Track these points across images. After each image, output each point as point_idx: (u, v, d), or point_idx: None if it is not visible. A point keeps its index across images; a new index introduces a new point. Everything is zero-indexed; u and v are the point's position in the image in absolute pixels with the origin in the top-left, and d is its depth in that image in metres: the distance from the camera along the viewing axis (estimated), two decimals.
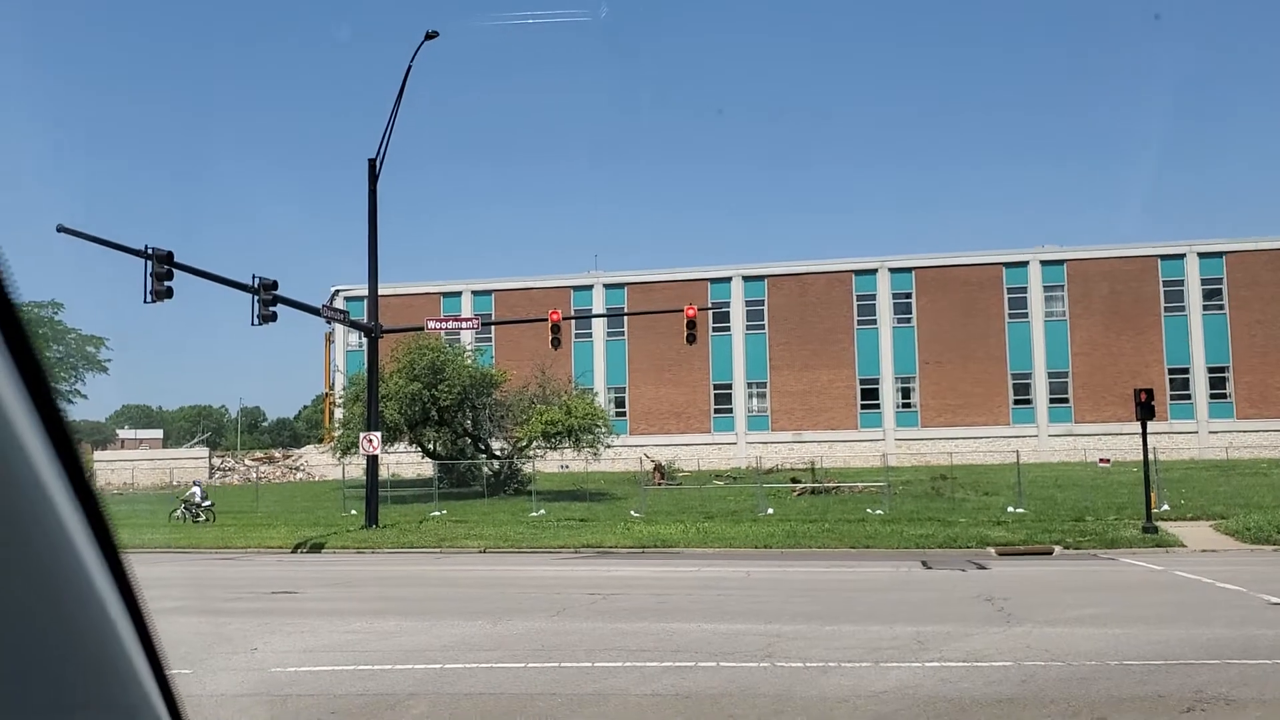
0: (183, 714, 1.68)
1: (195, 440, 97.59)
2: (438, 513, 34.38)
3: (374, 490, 31.02)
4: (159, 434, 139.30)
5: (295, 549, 26.98)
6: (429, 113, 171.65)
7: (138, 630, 1.51)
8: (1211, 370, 57.95)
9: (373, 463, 31.04)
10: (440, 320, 38.07)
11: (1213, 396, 58.03)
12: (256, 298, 27.57)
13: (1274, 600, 14.28)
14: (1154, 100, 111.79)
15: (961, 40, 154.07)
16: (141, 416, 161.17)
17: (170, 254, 25.04)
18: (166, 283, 24.98)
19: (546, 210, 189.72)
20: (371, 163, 31.06)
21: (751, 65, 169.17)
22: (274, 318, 27.90)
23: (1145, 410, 25.93)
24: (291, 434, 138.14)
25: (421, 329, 36.55)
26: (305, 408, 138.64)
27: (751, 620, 12.61)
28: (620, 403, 62.06)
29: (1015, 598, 14.58)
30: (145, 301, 24.68)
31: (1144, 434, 26.65)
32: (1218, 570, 18.32)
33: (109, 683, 1.41)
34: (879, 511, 31.16)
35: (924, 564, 20.92)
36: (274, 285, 27.84)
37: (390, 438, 42.60)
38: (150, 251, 24.80)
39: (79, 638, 1.32)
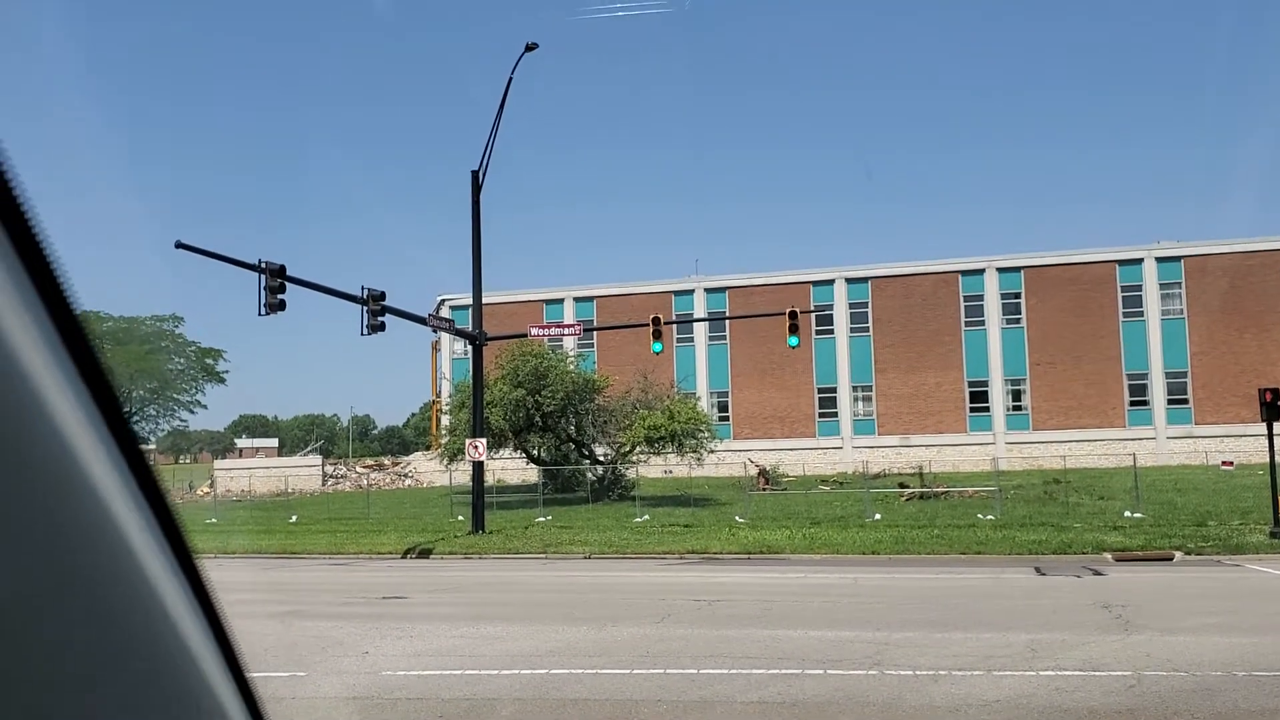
0: (264, 716, 1.68)
1: (309, 449, 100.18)
2: (543, 518, 34.62)
3: (480, 496, 31.34)
4: (274, 443, 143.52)
5: (405, 554, 27.41)
6: (526, 115, 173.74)
7: (215, 634, 1.50)
8: None
9: (478, 469, 31.39)
10: (543, 327, 38.38)
11: None
12: (365, 308, 28.15)
13: None
14: (1269, 85, 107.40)
15: (1067, 26, 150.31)
16: (258, 426, 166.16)
17: (283, 267, 25.72)
18: (279, 295, 25.67)
19: (646, 211, 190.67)
20: (474, 174, 31.43)
21: (847, 53, 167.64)
22: (382, 328, 28.45)
23: (1271, 410, 24.87)
24: (400, 441, 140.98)
25: (524, 336, 36.90)
26: (413, 415, 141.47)
27: (859, 627, 12.42)
28: (723, 407, 61.85)
29: (1134, 605, 14.09)
30: (260, 314, 25.41)
31: (1270, 435, 25.56)
32: None
33: (182, 686, 1.40)
34: (990, 517, 30.46)
35: (1037, 570, 20.38)
36: (382, 296, 28.40)
37: (495, 444, 43.04)
38: (264, 265, 25.52)
39: (149, 642, 1.33)
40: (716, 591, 17.11)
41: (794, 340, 34.01)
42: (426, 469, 64.23)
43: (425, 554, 27.37)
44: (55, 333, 1.15)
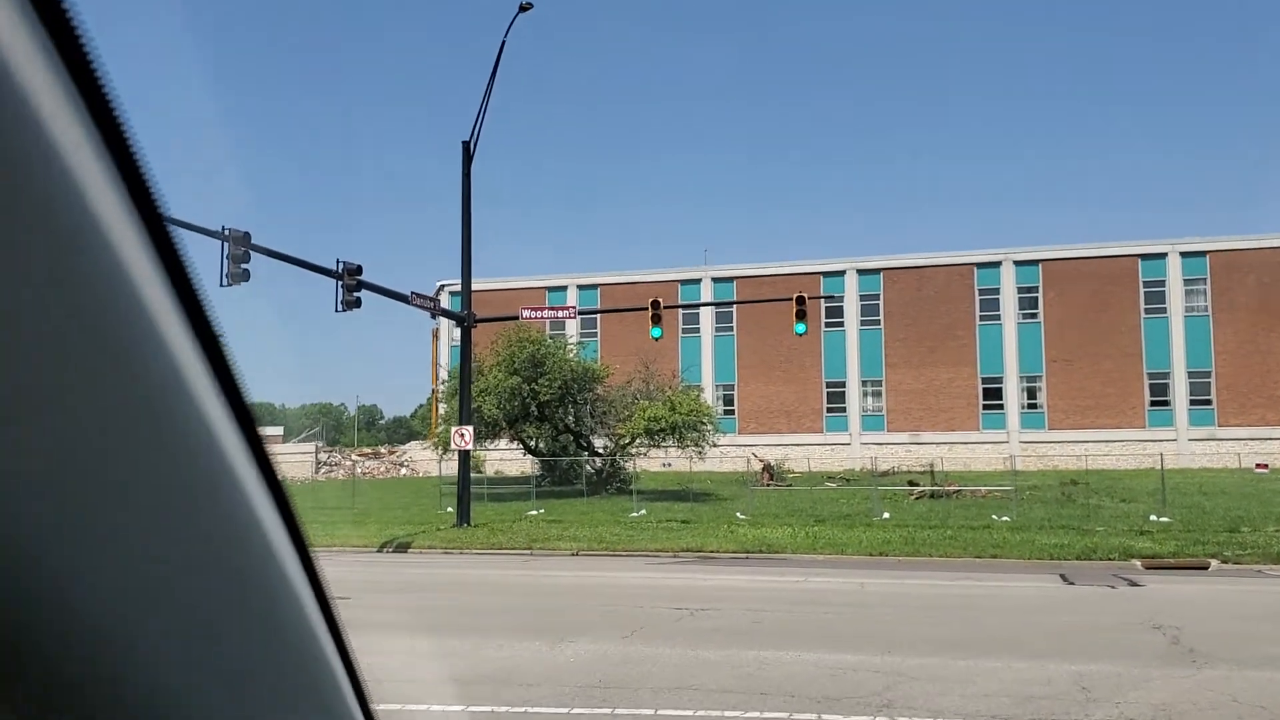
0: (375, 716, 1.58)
1: (303, 435, 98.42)
2: (535, 512, 32.80)
3: (465, 487, 29.51)
4: (279, 430, 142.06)
5: (381, 548, 25.61)
6: (534, 110, 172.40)
7: (331, 632, 1.42)
8: None
9: (464, 458, 29.56)
10: (536, 309, 36.28)
11: None
12: (340, 283, 26.32)
13: None
14: None
15: (1084, 28, 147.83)
16: (265, 414, 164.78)
17: (247, 235, 23.85)
18: (243, 265, 23.84)
19: (654, 203, 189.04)
20: (465, 145, 29.61)
21: (854, 54, 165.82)
22: (358, 304, 26.62)
23: None
24: (406, 431, 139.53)
25: (515, 319, 34.94)
26: (420, 406, 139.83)
27: (864, 649, 10.40)
28: (728, 400, 59.95)
29: (1189, 625, 12.00)
30: (221, 285, 23.55)
31: None
32: None
33: (317, 687, 1.37)
34: (1005, 518, 28.50)
35: (1063, 578, 18.40)
36: (358, 270, 26.53)
37: (490, 433, 41.29)
38: (226, 232, 23.67)
39: (291, 641, 1.29)
40: (704, 597, 15.14)
41: (801, 328, 32.08)
42: (423, 458, 62.56)
43: (403, 548, 25.55)
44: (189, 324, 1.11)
